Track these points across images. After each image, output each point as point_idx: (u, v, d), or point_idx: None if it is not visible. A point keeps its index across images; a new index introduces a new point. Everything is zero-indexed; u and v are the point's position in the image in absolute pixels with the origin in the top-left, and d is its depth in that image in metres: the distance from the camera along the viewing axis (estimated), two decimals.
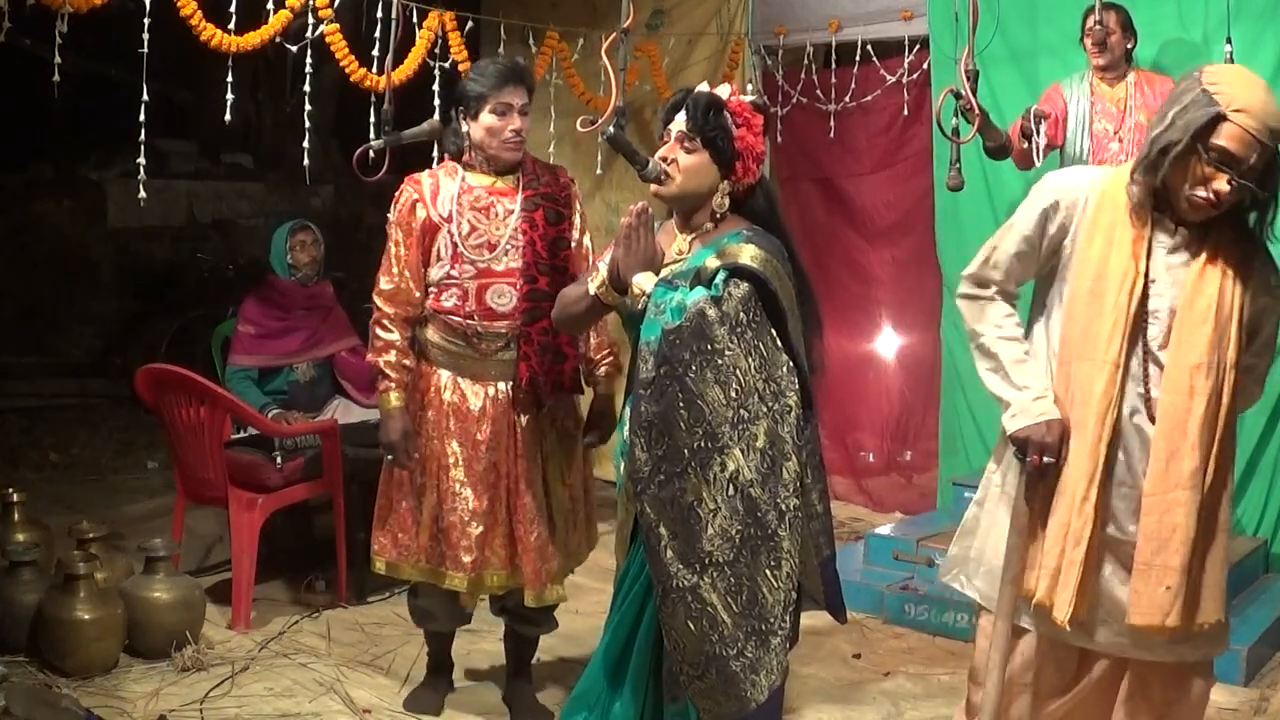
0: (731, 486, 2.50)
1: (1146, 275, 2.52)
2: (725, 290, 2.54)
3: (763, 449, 2.52)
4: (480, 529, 3.46)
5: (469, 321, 3.43)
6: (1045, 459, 2.57)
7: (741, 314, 2.53)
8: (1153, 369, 2.53)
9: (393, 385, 3.47)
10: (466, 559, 3.46)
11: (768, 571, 2.52)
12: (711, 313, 2.51)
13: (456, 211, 3.44)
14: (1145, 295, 2.52)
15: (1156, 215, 2.53)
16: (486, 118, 3.41)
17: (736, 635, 2.51)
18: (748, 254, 2.58)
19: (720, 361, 2.50)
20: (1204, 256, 2.51)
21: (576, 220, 3.57)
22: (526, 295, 3.42)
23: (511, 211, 3.46)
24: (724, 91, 2.72)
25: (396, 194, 3.52)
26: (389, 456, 3.51)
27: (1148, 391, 2.53)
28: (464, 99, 3.45)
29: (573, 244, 3.55)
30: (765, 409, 2.53)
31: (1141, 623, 2.50)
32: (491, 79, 3.40)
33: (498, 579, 3.51)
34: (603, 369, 3.62)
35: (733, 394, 2.51)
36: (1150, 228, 2.53)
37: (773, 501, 2.52)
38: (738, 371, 2.51)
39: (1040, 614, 2.64)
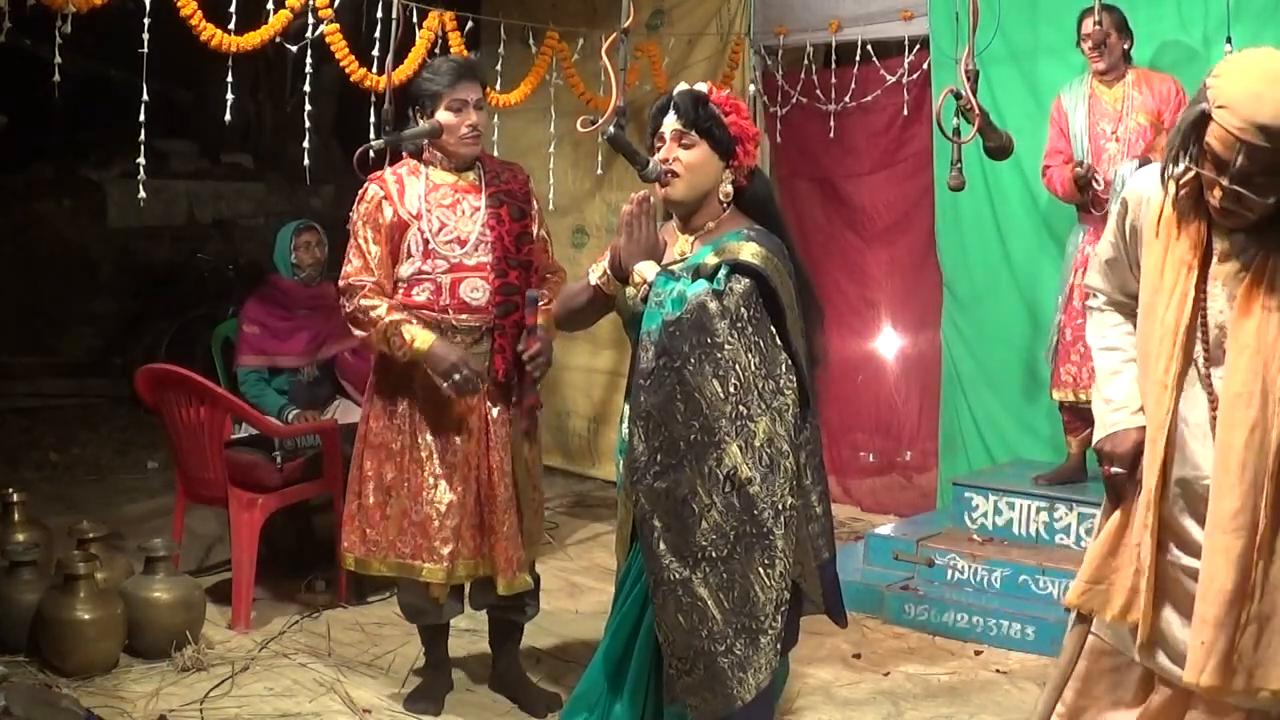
0: (729, 483, 2.51)
1: (1198, 287, 2.31)
2: (727, 285, 2.54)
3: (760, 446, 2.52)
4: (455, 520, 3.50)
5: (444, 315, 3.48)
6: (1115, 470, 2.47)
7: (743, 309, 2.54)
8: (1204, 389, 2.34)
9: (412, 327, 3.39)
10: (445, 550, 3.50)
11: (761, 569, 2.53)
12: (713, 306, 2.51)
13: (425, 209, 3.49)
14: (1197, 308, 2.32)
15: (1215, 220, 2.31)
16: (443, 114, 3.48)
17: (726, 632, 2.52)
18: (749, 251, 2.58)
19: (719, 356, 2.50)
20: (1254, 268, 2.26)
21: (536, 215, 3.66)
22: (499, 289, 3.50)
23: (478, 208, 3.53)
24: (701, 88, 2.73)
25: (361, 192, 3.56)
26: (456, 378, 3.36)
27: (1205, 413, 2.34)
28: (419, 98, 3.51)
29: (535, 239, 3.63)
30: (764, 406, 2.53)
31: (1186, 679, 2.31)
32: (445, 76, 3.47)
33: (466, 569, 3.57)
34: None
35: (731, 389, 2.51)
36: (1208, 233, 2.31)
37: (769, 500, 2.52)
38: (737, 367, 2.51)
39: (1115, 629, 2.52)
